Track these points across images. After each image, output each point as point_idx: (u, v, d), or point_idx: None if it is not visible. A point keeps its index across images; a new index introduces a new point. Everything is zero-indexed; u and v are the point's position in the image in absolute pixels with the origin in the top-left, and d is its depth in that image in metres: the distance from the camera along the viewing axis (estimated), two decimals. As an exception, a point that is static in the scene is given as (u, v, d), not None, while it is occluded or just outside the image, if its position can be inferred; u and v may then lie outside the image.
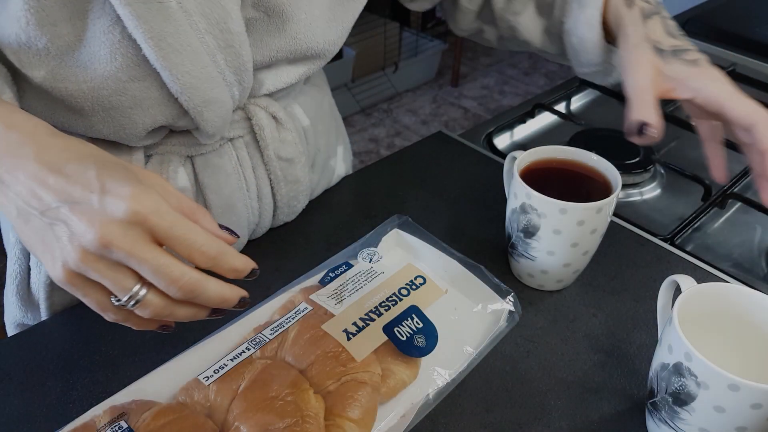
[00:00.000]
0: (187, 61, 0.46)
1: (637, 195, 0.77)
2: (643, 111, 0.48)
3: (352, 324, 0.49)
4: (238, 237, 0.41)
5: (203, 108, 0.49)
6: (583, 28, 0.56)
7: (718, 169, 0.54)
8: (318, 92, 0.66)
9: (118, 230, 0.34)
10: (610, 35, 0.56)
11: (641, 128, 0.48)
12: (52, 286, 0.57)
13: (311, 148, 0.64)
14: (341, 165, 0.73)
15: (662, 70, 0.50)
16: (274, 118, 0.57)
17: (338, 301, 0.52)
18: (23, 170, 0.36)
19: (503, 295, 0.54)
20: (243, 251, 0.63)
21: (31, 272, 0.58)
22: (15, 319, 0.62)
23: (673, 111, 0.92)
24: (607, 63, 0.58)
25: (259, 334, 0.49)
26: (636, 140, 0.48)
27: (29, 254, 0.58)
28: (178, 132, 0.54)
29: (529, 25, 0.62)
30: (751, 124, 0.48)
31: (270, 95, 0.57)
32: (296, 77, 0.56)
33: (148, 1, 0.42)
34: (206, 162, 0.55)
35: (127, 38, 0.44)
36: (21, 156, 0.36)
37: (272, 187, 0.60)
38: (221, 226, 0.40)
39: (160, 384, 0.47)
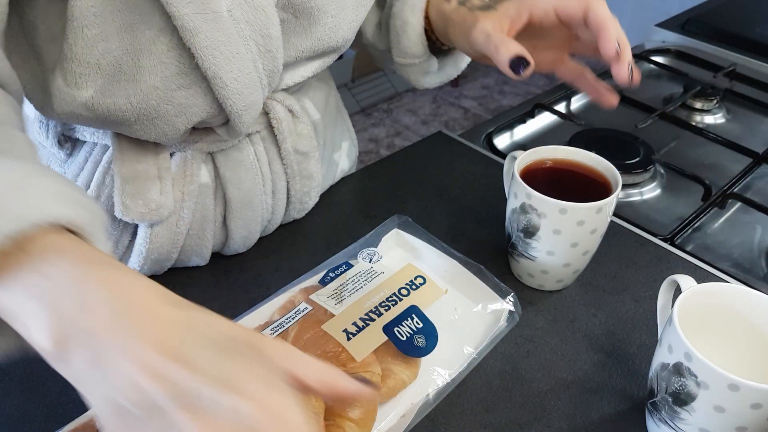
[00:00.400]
0: (235, 68, 0.47)
1: (637, 195, 0.77)
2: (508, 47, 0.48)
3: (352, 324, 0.49)
4: (376, 389, 0.37)
5: (243, 111, 0.50)
6: (408, 11, 0.57)
7: (604, 95, 0.53)
8: (325, 86, 0.67)
9: None
10: (433, 35, 0.58)
11: (518, 62, 0.47)
12: None
13: (320, 141, 0.65)
14: (345, 160, 0.74)
15: (497, 15, 0.50)
16: (290, 111, 0.58)
17: (338, 301, 0.52)
18: (125, 353, 0.27)
19: (503, 295, 0.54)
20: (244, 251, 0.63)
21: None
22: None
23: (672, 111, 0.92)
24: (425, 57, 0.59)
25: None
26: (516, 77, 0.48)
27: None
28: (201, 130, 0.54)
29: (368, 15, 0.62)
30: (587, 7, 0.48)
31: (285, 89, 0.58)
32: (312, 72, 0.57)
33: (204, 12, 0.43)
34: (227, 157, 0.56)
35: (175, 47, 0.45)
36: (125, 332, 0.27)
37: (287, 182, 0.61)
38: (358, 378, 0.35)
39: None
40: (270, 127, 0.58)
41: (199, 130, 0.54)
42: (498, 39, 0.48)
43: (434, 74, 0.63)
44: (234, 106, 0.49)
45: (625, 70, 0.48)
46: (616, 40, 0.48)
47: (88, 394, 0.29)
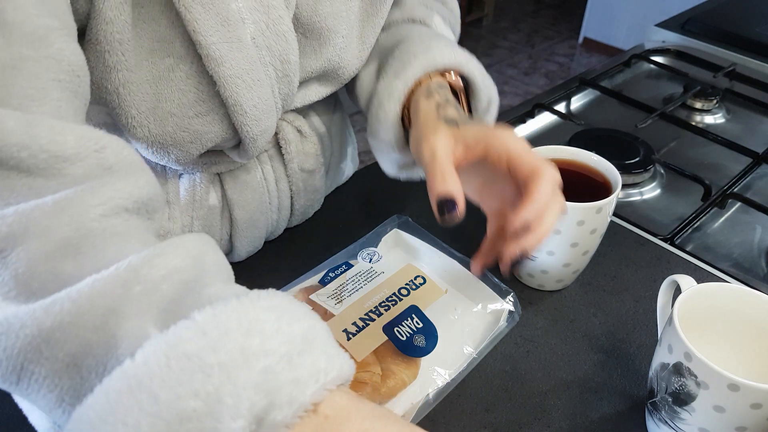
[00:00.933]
0: (255, 95, 0.46)
1: (637, 195, 0.77)
2: (445, 181, 0.41)
3: (352, 324, 0.49)
4: None
5: (259, 136, 0.49)
6: (384, 94, 0.50)
7: (480, 264, 0.48)
8: (332, 98, 0.67)
9: None
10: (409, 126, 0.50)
11: (446, 205, 0.41)
12: None
13: (326, 153, 0.65)
14: (350, 165, 0.74)
15: (456, 135, 0.44)
16: (299, 131, 0.58)
17: (338, 301, 0.52)
18: None
19: (503, 295, 0.54)
20: (243, 251, 0.63)
21: None
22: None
23: (672, 111, 0.92)
24: (399, 147, 0.53)
25: (259, 334, 0.49)
26: (441, 220, 0.41)
27: None
28: (211, 152, 0.53)
29: (364, 82, 0.57)
30: (534, 172, 0.41)
31: (295, 109, 0.57)
32: (320, 96, 0.56)
33: (230, 40, 0.42)
34: (234, 178, 0.56)
35: (194, 75, 0.44)
36: None
37: (292, 198, 0.61)
38: None
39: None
40: (278, 146, 0.58)
41: (209, 152, 0.53)
42: (440, 167, 0.42)
43: (402, 169, 0.57)
44: (250, 132, 0.48)
45: (514, 254, 0.41)
46: (534, 223, 0.40)
47: None
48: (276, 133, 0.56)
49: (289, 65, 0.48)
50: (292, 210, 0.62)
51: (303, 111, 0.59)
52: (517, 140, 0.42)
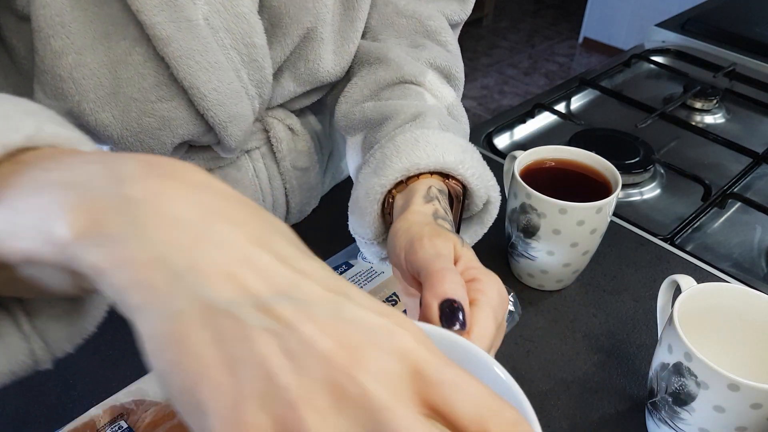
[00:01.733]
0: (214, 78, 0.45)
1: (636, 195, 0.77)
2: (452, 281, 0.34)
3: (352, 324, 0.49)
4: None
5: (228, 123, 0.49)
6: (361, 191, 0.45)
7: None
8: (323, 99, 0.66)
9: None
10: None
11: (451, 309, 0.33)
12: None
13: (325, 152, 0.64)
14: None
15: (458, 246, 0.38)
16: (291, 129, 0.57)
17: (338, 301, 0.52)
18: (218, 251, 0.21)
19: (503, 295, 0.54)
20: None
21: None
22: None
23: (672, 111, 0.92)
24: (369, 239, 0.47)
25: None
26: (439, 323, 0.33)
27: None
28: (198, 147, 0.53)
29: (350, 150, 0.54)
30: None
31: (286, 107, 0.57)
32: (298, 93, 0.55)
33: (177, 20, 0.42)
34: (224, 176, 0.55)
35: (152, 58, 0.44)
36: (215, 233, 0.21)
37: (287, 196, 0.61)
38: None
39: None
40: (270, 143, 0.57)
41: (197, 148, 0.53)
42: (447, 266, 0.35)
43: (384, 261, 0.51)
44: (216, 117, 0.47)
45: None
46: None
47: (148, 293, 0.20)
48: (267, 131, 0.56)
49: (255, 49, 0.47)
50: (288, 208, 0.62)
51: (294, 110, 0.59)
52: (500, 296, 0.36)
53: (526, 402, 0.27)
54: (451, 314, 0.33)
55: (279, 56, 0.51)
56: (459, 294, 0.33)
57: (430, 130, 0.45)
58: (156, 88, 0.45)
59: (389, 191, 0.44)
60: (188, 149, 0.53)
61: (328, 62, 0.53)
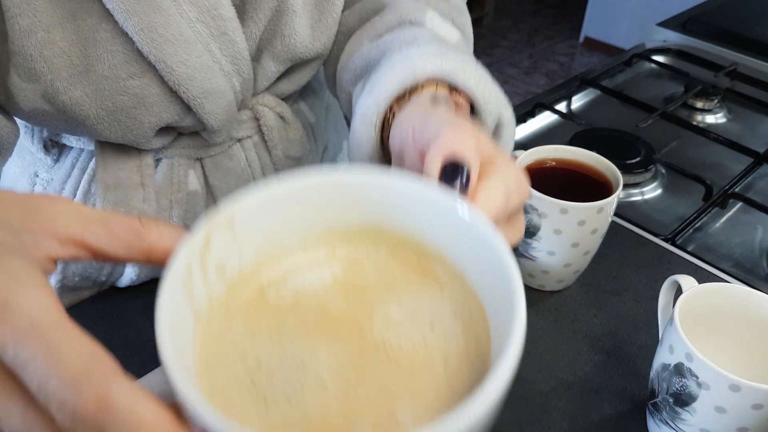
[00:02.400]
0: (181, 51, 0.45)
1: (638, 195, 0.77)
2: (460, 141, 0.30)
3: (353, 324, 0.49)
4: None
5: (203, 99, 0.48)
6: (357, 118, 0.41)
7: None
8: (321, 88, 0.66)
9: None
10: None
11: (454, 166, 0.29)
12: (62, 290, 0.57)
13: (318, 145, 0.64)
14: (348, 161, 0.74)
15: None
16: (282, 118, 0.57)
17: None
18: None
19: (504, 295, 0.54)
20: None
21: None
22: None
23: (673, 110, 0.91)
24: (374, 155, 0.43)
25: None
26: (442, 182, 0.29)
27: None
28: (187, 134, 0.53)
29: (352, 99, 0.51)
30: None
31: (275, 94, 0.57)
32: (284, 69, 0.54)
33: None
34: (216, 164, 0.55)
35: (119, 35, 0.43)
36: None
37: None
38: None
39: (160, 383, 0.47)
40: (261, 132, 0.57)
41: (186, 135, 0.53)
42: (463, 126, 0.32)
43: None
44: (189, 92, 0.47)
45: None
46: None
47: None
48: (257, 119, 0.56)
49: (224, 21, 0.46)
50: None
51: (284, 96, 0.58)
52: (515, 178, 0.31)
53: (509, 262, 0.26)
54: (453, 171, 0.29)
55: (253, 32, 0.50)
56: (467, 154, 0.29)
57: (426, 44, 0.41)
58: (126, 65, 0.45)
59: (389, 110, 0.39)
60: (177, 136, 0.53)
61: (305, 37, 0.52)
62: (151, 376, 0.49)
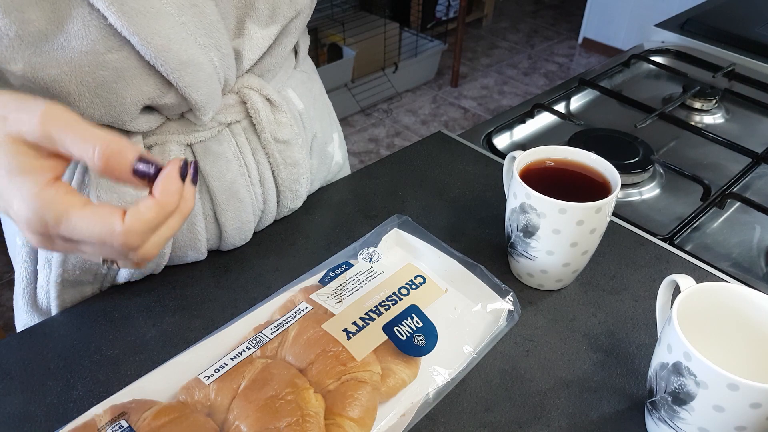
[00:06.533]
0: (153, 22, 0.45)
1: (636, 195, 0.77)
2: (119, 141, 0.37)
3: (352, 323, 0.49)
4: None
5: (181, 71, 0.48)
6: None
7: None
8: (308, 78, 0.67)
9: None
10: None
11: (142, 165, 0.38)
12: (63, 285, 0.57)
13: (308, 132, 0.65)
14: (338, 152, 0.74)
15: None
16: (269, 100, 0.58)
17: (338, 300, 0.52)
18: None
19: (503, 294, 0.55)
20: (244, 248, 0.63)
21: (38, 275, 0.58)
22: (24, 323, 0.62)
23: (672, 111, 0.92)
24: None
25: (260, 334, 0.49)
26: (138, 182, 0.38)
27: (36, 257, 0.58)
28: (176, 120, 0.54)
29: None
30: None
31: (259, 75, 0.57)
32: (270, 39, 0.55)
33: None
34: (206, 149, 0.56)
35: (95, 9, 0.44)
36: None
37: (273, 171, 0.61)
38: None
39: (160, 383, 0.47)
40: (250, 117, 0.58)
41: (174, 120, 0.54)
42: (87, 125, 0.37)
43: None
44: (165, 65, 0.47)
45: None
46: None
47: None
48: (244, 103, 0.57)
49: None
50: (277, 185, 0.62)
51: (271, 80, 0.59)
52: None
53: None
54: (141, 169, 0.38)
55: (227, 4, 0.51)
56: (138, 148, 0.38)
57: None
58: (104, 39, 0.45)
59: None
60: (166, 121, 0.53)
61: None
62: (151, 376, 0.50)
